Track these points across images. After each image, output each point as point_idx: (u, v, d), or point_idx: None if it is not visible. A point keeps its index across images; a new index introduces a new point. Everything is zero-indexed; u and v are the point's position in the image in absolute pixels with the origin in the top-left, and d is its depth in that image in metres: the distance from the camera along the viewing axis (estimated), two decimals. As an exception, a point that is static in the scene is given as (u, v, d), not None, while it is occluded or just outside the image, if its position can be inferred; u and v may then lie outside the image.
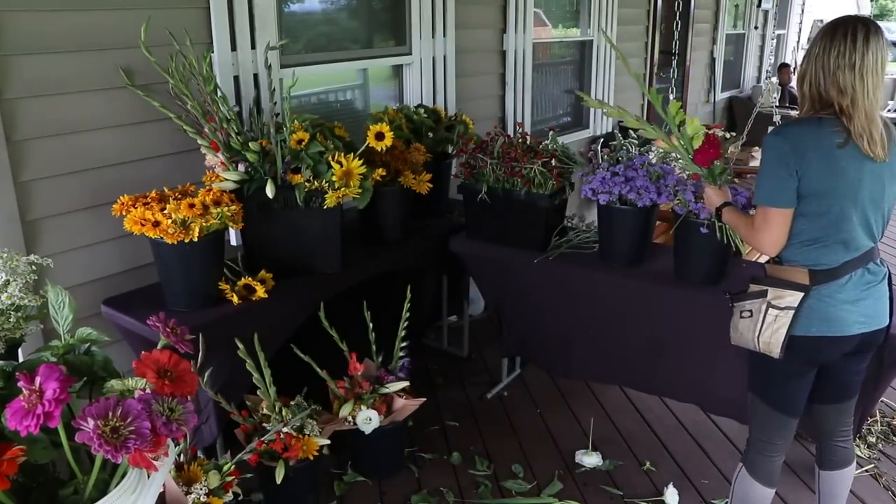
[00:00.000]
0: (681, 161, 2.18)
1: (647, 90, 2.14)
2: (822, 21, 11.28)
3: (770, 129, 6.39)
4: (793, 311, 1.84)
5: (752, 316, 1.92)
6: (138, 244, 2.39)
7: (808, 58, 1.81)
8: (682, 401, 2.98)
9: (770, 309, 1.88)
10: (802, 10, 10.27)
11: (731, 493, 2.16)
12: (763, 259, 2.66)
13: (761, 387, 2.02)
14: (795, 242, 1.84)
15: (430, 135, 3.14)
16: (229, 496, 2.09)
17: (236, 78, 2.70)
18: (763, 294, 1.90)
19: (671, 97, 5.22)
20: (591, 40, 5.10)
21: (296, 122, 2.44)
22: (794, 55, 10.17)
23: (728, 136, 2.08)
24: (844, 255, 1.82)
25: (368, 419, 2.52)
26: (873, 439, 2.92)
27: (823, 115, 1.77)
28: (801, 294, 1.84)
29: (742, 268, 2.65)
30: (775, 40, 9.33)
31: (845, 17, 1.79)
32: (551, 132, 2.96)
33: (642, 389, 3.04)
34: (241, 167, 2.38)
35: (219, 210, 2.22)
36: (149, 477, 1.01)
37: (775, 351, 1.88)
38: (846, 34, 1.73)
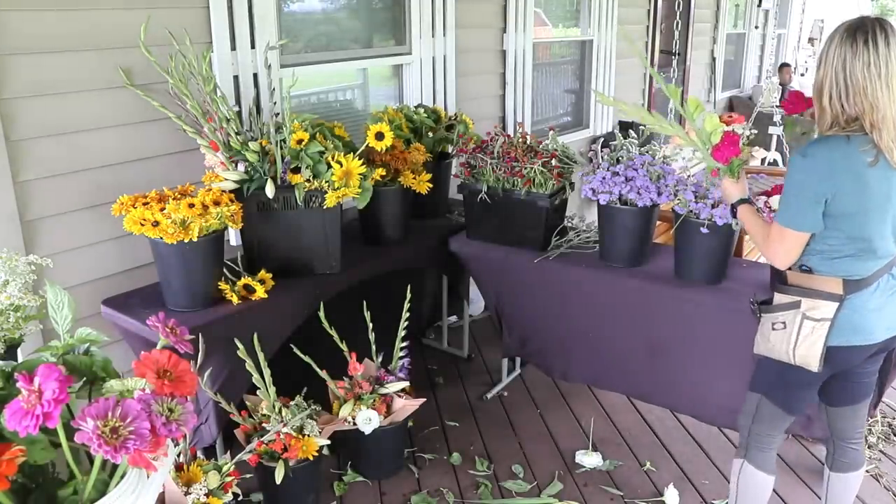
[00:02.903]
0: (699, 156, 2.11)
1: (665, 86, 2.09)
2: (822, 21, 11.29)
3: (771, 128, 6.29)
4: (828, 323, 1.81)
5: (785, 328, 1.87)
6: (138, 244, 2.39)
7: (827, 67, 1.71)
8: (681, 412, 2.98)
9: (805, 321, 1.83)
10: (803, 10, 10.26)
11: (735, 490, 2.14)
12: (764, 259, 2.66)
13: (774, 390, 1.99)
14: (827, 258, 1.80)
15: (430, 135, 3.14)
16: (229, 496, 2.09)
17: (236, 78, 2.70)
18: (796, 305, 1.85)
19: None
20: (592, 40, 5.10)
21: (295, 121, 2.44)
22: (795, 55, 10.17)
23: (749, 132, 2.04)
24: (875, 265, 1.80)
25: (368, 419, 2.52)
26: (874, 439, 2.92)
27: (851, 133, 1.69)
28: (836, 304, 1.80)
29: (743, 268, 2.65)
30: (776, 40, 9.33)
31: (861, 21, 1.70)
32: (551, 132, 2.96)
33: (640, 397, 3.04)
34: (241, 167, 2.38)
35: (218, 210, 2.22)
36: (148, 477, 1.01)
37: (814, 364, 1.84)
38: (867, 41, 1.65)
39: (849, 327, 1.82)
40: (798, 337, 1.85)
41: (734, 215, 2.05)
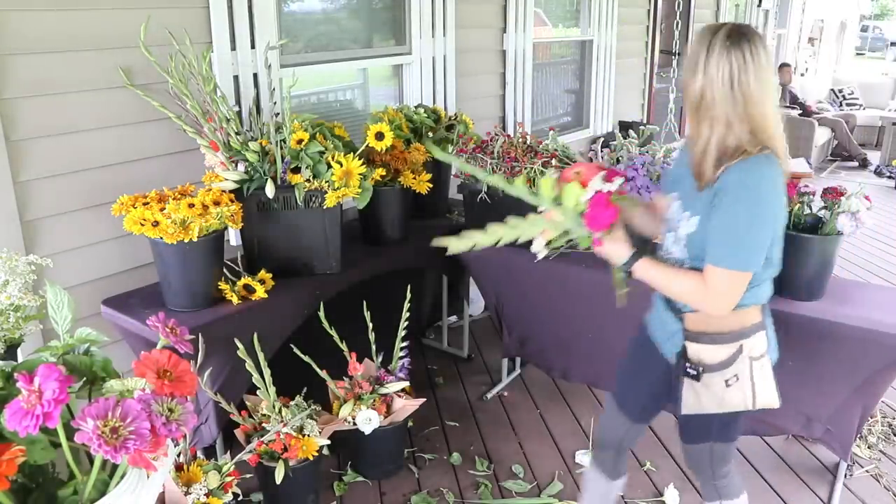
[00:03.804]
0: (576, 238, 1.71)
1: (509, 183, 1.77)
2: (822, 21, 11.29)
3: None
4: (767, 355, 1.70)
5: (738, 380, 1.69)
6: (138, 244, 2.39)
7: (710, 77, 1.52)
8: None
9: (753, 363, 1.68)
10: (803, 10, 10.27)
11: None
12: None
13: (721, 433, 1.84)
14: (751, 287, 1.64)
15: (430, 135, 3.14)
16: (229, 496, 2.09)
17: (236, 78, 2.70)
18: (740, 351, 1.68)
19: (671, 96, 5.21)
20: (592, 40, 5.10)
21: (295, 121, 2.44)
22: (795, 55, 10.18)
23: (618, 181, 1.65)
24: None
25: (368, 419, 2.52)
26: (874, 439, 2.92)
27: (767, 151, 1.55)
28: (764, 332, 1.69)
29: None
30: (776, 40, 9.33)
31: (738, 27, 1.54)
32: (551, 132, 2.96)
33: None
34: (241, 167, 2.38)
35: (218, 210, 2.22)
36: (148, 477, 1.01)
37: (776, 401, 1.71)
38: (751, 50, 1.51)
39: (772, 347, 1.75)
40: (753, 383, 1.69)
41: (628, 275, 1.72)
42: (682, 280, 1.65)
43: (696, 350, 1.70)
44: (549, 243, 1.70)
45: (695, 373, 1.70)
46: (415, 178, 2.87)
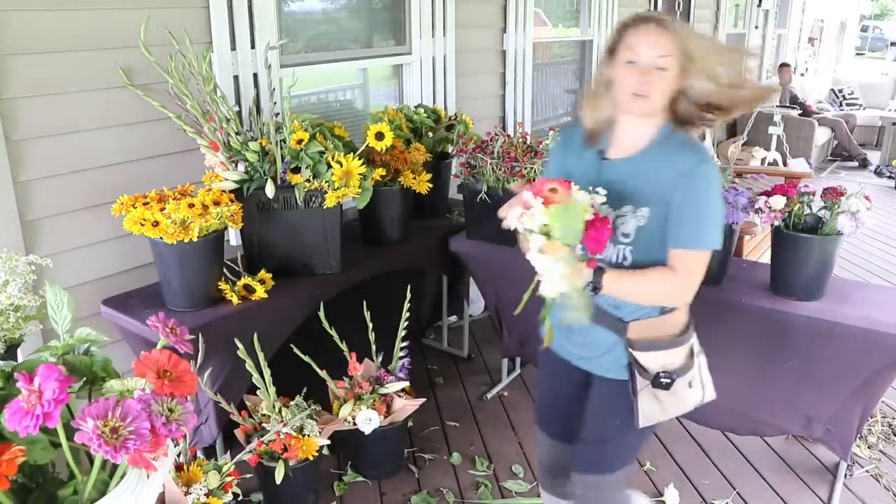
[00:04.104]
0: (566, 264, 1.43)
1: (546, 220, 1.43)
2: (822, 21, 11.28)
3: (771, 128, 6.19)
4: (701, 350, 1.71)
5: (695, 379, 1.67)
6: (138, 244, 2.39)
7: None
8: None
9: (700, 358, 1.70)
10: (803, 10, 10.26)
11: None
12: (764, 258, 2.65)
13: (635, 452, 1.81)
14: None
15: (430, 135, 3.14)
16: (229, 496, 2.09)
17: (236, 78, 2.70)
18: (692, 350, 1.67)
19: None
20: (591, 40, 5.10)
21: (295, 121, 2.44)
22: (795, 55, 10.17)
23: (599, 191, 1.50)
24: None
25: (368, 419, 2.52)
26: (874, 439, 2.92)
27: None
28: (692, 326, 1.70)
29: (743, 268, 2.65)
30: (776, 40, 9.33)
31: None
32: (552, 132, 2.96)
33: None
34: (241, 167, 2.38)
35: (218, 210, 2.21)
36: (148, 477, 1.01)
37: (714, 394, 1.72)
38: None
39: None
40: (703, 377, 1.69)
41: (595, 290, 1.52)
42: (654, 278, 1.55)
43: (653, 358, 1.62)
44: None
45: (669, 381, 1.61)
46: (415, 178, 2.87)
